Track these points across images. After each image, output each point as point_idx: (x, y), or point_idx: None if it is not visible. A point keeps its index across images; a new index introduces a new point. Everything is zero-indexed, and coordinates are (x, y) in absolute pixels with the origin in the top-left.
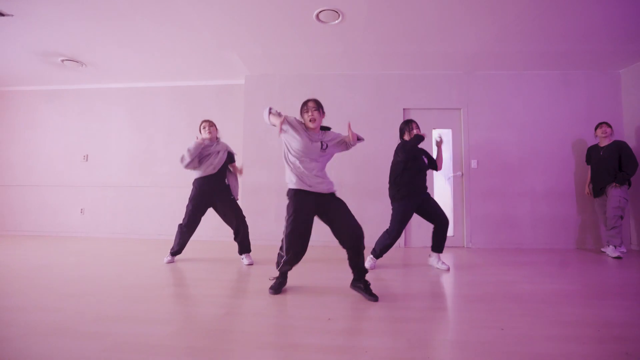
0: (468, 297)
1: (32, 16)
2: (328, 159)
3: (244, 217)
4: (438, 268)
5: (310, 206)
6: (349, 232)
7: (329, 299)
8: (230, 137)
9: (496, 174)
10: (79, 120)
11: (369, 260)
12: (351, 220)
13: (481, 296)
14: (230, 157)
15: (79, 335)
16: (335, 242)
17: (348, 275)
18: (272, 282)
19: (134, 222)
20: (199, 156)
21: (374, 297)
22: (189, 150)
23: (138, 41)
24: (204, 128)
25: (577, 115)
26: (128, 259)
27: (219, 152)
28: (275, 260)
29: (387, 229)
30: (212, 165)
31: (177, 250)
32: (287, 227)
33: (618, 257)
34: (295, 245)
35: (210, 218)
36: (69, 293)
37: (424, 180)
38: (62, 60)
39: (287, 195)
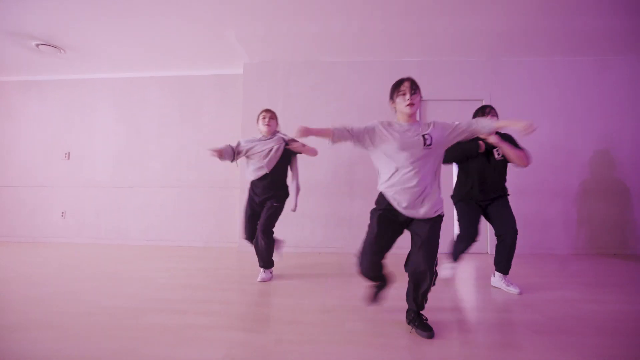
0: (534, 327)
1: None
2: None
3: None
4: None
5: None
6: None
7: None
8: (228, 132)
9: (525, 171)
10: (60, 113)
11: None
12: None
13: (552, 325)
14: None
15: None
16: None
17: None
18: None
19: (120, 226)
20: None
21: (427, 331)
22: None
23: (123, 23)
24: (263, 118)
25: (618, 105)
26: (109, 269)
27: (271, 149)
28: None
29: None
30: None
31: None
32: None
33: None
34: None
35: (188, 222)
36: (41, 324)
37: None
38: (37, 45)
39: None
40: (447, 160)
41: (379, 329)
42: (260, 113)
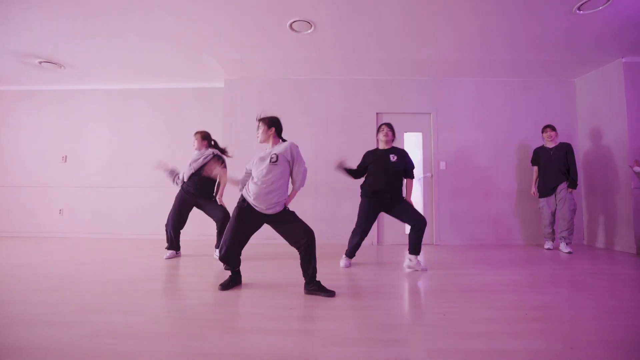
0: (423, 289)
1: (7, 17)
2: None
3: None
4: (415, 269)
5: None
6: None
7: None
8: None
9: (463, 175)
10: (57, 120)
11: (342, 260)
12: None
13: (435, 288)
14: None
15: (60, 325)
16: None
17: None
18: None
19: (113, 222)
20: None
21: (330, 293)
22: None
23: (116, 45)
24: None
25: (536, 120)
26: (106, 256)
27: (200, 158)
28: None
29: (354, 228)
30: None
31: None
32: None
33: (569, 253)
34: None
35: (188, 218)
36: (48, 288)
37: (390, 183)
38: (40, 62)
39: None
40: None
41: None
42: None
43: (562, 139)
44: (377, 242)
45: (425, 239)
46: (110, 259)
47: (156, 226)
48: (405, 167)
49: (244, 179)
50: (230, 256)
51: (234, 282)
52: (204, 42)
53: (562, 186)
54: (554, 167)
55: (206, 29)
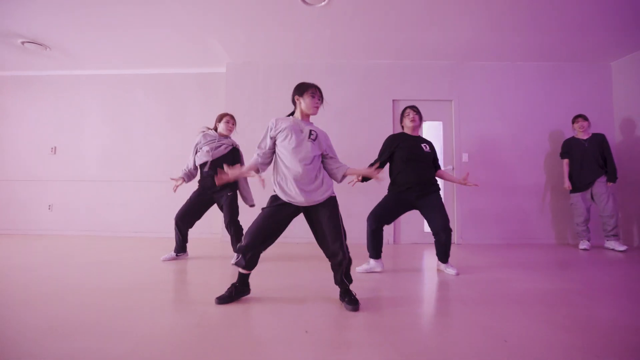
0: (463, 300)
1: None
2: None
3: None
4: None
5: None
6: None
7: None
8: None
9: (488, 168)
10: (48, 109)
11: (371, 262)
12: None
13: (477, 299)
14: (235, 155)
15: (41, 341)
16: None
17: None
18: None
19: (108, 218)
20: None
21: (352, 306)
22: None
23: (110, 24)
24: (227, 122)
25: (568, 108)
26: (97, 258)
27: (222, 145)
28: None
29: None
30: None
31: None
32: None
33: (625, 250)
34: None
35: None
36: (21, 299)
37: (423, 174)
38: (23, 43)
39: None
40: None
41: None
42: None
43: (596, 128)
44: (394, 242)
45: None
46: (100, 261)
47: (155, 223)
48: (435, 156)
49: (258, 162)
50: (251, 253)
51: (238, 293)
52: (205, 21)
53: (600, 180)
54: (590, 159)
55: (208, 4)
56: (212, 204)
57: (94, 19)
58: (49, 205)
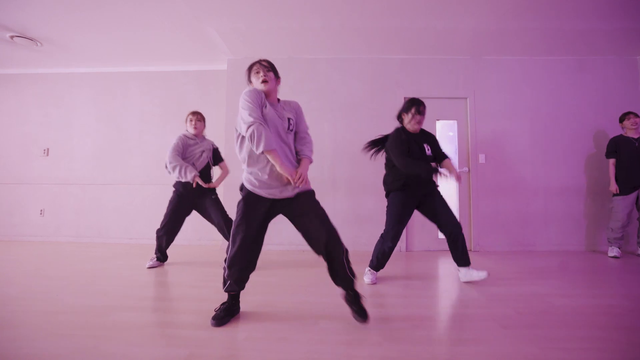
0: (498, 321)
1: None
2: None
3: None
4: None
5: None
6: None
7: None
8: (209, 127)
9: (506, 169)
10: (38, 108)
11: (367, 274)
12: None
13: (514, 318)
14: (216, 156)
15: None
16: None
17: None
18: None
19: (101, 223)
20: (181, 156)
21: (362, 317)
22: (170, 163)
23: (100, 16)
24: (190, 121)
25: (594, 105)
26: (85, 267)
27: (202, 152)
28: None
29: (382, 233)
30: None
31: (160, 256)
32: None
33: None
34: None
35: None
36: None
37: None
38: (12, 37)
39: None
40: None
41: (352, 326)
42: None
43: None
44: (406, 249)
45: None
46: (89, 271)
47: (150, 229)
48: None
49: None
50: (245, 279)
51: (230, 312)
52: (204, 12)
53: None
54: None
55: None
56: (190, 212)
57: (87, 11)
58: (41, 210)
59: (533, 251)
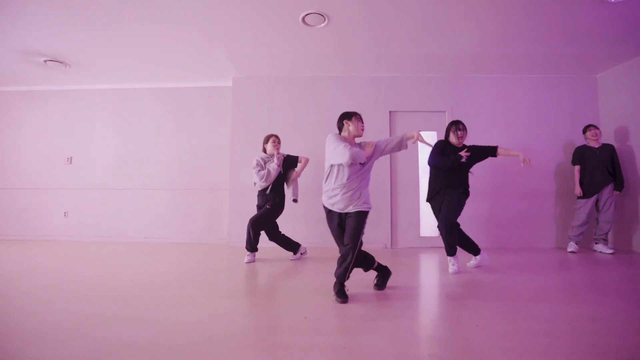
0: (449, 296)
1: (13, 14)
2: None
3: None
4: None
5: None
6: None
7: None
8: (217, 140)
9: (481, 176)
10: (63, 121)
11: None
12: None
13: (463, 295)
14: (288, 163)
15: (60, 339)
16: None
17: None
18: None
19: (119, 224)
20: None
21: (340, 299)
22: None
23: (124, 42)
24: (273, 142)
25: (558, 118)
26: (112, 262)
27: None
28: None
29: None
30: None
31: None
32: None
33: (613, 253)
34: None
35: (182, 221)
36: (50, 298)
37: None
38: (45, 61)
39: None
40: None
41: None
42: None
43: (583, 139)
44: (391, 245)
45: (442, 241)
46: (116, 264)
47: (164, 229)
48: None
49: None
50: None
51: (385, 277)
52: (213, 37)
53: (609, 188)
54: (601, 167)
55: (216, 23)
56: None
57: (110, 37)
58: (65, 213)
59: (505, 248)
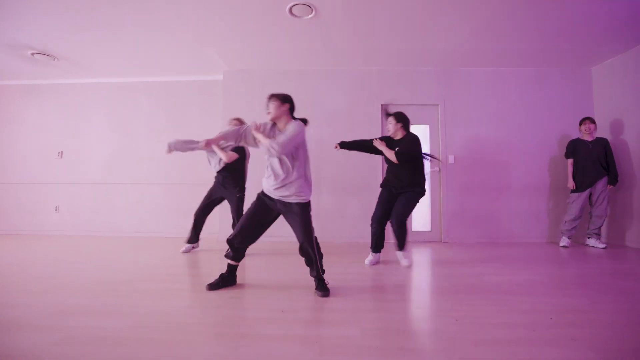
0: (432, 290)
1: None
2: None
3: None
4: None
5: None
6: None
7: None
8: (209, 134)
9: (473, 170)
10: (55, 116)
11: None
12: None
13: (446, 288)
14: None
15: (31, 329)
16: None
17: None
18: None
19: (112, 220)
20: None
21: (322, 292)
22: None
23: (113, 36)
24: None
25: (551, 112)
26: (101, 255)
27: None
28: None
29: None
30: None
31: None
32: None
33: (605, 247)
34: None
35: (174, 215)
36: (35, 289)
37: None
38: (33, 54)
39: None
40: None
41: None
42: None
43: (577, 132)
44: None
45: (433, 236)
46: (105, 258)
47: (157, 224)
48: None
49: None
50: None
51: (225, 282)
52: (202, 31)
53: (602, 182)
54: (594, 161)
55: (204, 16)
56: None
57: (100, 31)
58: (56, 207)
59: (497, 242)
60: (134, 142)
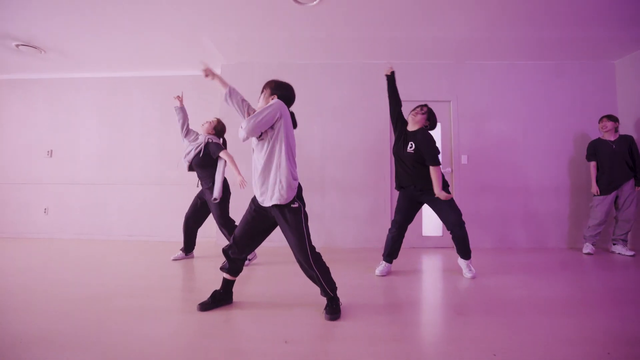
0: (456, 309)
1: None
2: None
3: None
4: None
5: None
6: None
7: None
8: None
9: (488, 170)
10: (44, 112)
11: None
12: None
13: (472, 308)
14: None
15: None
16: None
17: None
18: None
19: (104, 222)
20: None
21: (332, 315)
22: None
23: (104, 26)
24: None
25: (572, 107)
26: (83, 263)
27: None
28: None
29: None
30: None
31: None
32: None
33: (633, 255)
34: None
35: (170, 218)
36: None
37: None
38: (17, 45)
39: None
40: None
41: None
42: None
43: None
44: None
45: (445, 241)
46: (87, 266)
47: (151, 226)
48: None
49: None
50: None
51: (218, 301)
52: (198, 21)
53: (630, 184)
54: (620, 162)
55: (200, 5)
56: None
57: (89, 22)
58: (45, 209)
59: (513, 248)
60: (127, 140)
